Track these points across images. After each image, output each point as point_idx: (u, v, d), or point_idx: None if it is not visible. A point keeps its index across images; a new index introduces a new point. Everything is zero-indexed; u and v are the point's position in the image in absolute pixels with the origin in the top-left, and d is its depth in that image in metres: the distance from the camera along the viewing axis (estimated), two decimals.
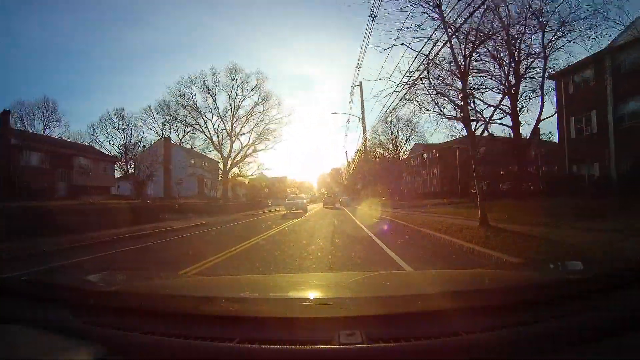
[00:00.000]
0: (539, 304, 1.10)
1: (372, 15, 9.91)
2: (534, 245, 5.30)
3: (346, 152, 59.19)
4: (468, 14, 7.62)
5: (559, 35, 14.48)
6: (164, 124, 36.37)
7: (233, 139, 34.85)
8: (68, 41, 59.63)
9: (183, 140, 38.54)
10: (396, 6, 8.62)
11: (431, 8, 7.99)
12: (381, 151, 43.49)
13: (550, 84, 17.73)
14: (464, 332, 0.95)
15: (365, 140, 23.16)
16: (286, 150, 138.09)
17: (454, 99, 10.44)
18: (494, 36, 11.22)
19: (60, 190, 23.41)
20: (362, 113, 22.12)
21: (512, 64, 15.83)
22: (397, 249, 6.38)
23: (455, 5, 7.64)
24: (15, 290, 1.34)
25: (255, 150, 35.71)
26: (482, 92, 15.04)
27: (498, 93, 16.61)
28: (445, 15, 7.81)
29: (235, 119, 34.75)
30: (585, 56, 15.01)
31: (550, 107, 18.06)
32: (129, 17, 64.19)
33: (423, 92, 10.38)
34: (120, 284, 1.63)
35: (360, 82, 22.11)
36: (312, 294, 1.49)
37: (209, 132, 34.65)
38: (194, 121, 34.68)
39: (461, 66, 8.60)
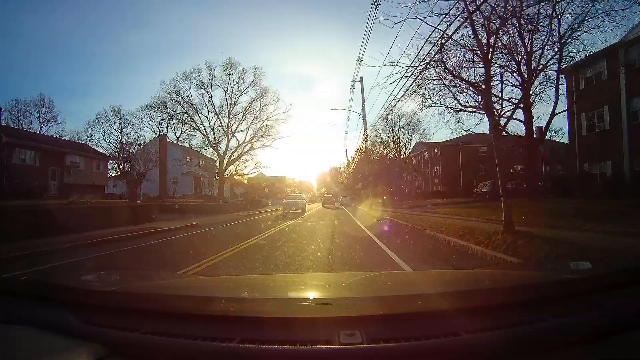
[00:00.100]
0: (539, 304, 1.12)
1: (376, 3, 9.09)
2: (596, 257, 4.35)
3: (346, 151, 59.11)
4: None
5: (580, 20, 12.83)
6: (161, 122, 36.07)
7: (229, 136, 34.74)
8: (64, 39, 60.27)
9: (180, 138, 38.25)
10: None
11: None
12: (382, 150, 43.11)
13: (560, 79, 17.18)
14: (464, 332, 0.96)
15: (366, 137, 22.73)
16: (285, 149, 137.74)
17: (474, 82, 9.17)
18: (524, 12, 9.25)
19: (51, 189, 23.04)
20: (363, 109, 21.76)
21: (525, 55, 14.75)
22: (415, 261, 5.29)
23: None
24: (15, 290, 1.36)
25: (252, 148, 35.57)
26: (494, 84, 13.71)
27: (509, 85, 15.67)
28: None
29: (231, 116, 34.61)
30: (598, 49, 14.30)
31: (562, 102, 17.27)
32: (129, 16, 64.71)
33: (434, 79, 9.40)
34: (121, 284, 1.63)
35: (361, 77, 21.81)
36: (312, 294, 1.51)
37: (205, 129, 34.45)
38: (190, 118, 34.38)
39: (484, 45, 7.35)
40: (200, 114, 34.15)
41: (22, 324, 1.12)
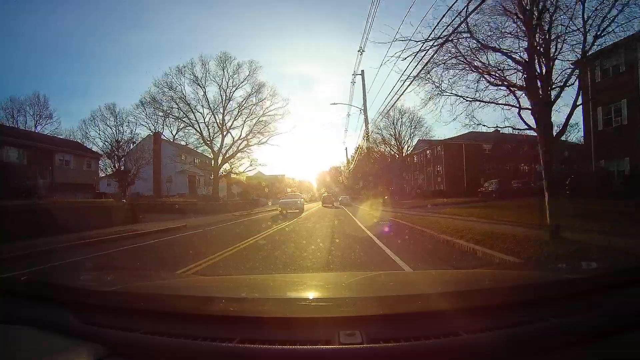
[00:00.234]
0: (539, 304, 1.14)
1: None
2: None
3: (346, 149, 59.19)
4: None
5: None
6: (157, 120, 35.96)
7: (224, 133, 34.57)
8: (64, 39, 61.24)
9: (177, 136, 38.15)
10: None
11: None
12: (383, 148, 43.16)
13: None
14: (464, 332, 0.98)
15: (367, 133, 22.69)
16: (285, 148, 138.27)
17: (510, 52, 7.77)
18: None
19: (39, 188, 22.93)
20: (364, 104, 21.86)
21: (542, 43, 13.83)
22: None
23: None
24: (15, 290, 1.38)
25: (248, 145, 35.41)
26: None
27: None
28: None
29: (226, 112, 34.47)
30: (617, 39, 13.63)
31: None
32: (129, 16, 65.41)
33: (455, 55, 8.12)
34: (121, 284, 1.65)
35: (362, 71, 21.89)
36: (312, 294, 1.53)
37: (199, 126, 34.28)
38: (184, 115, 34.25)
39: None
40: (194, 110, 34.11)
41: (22, 324, 1.14)
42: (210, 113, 34.17)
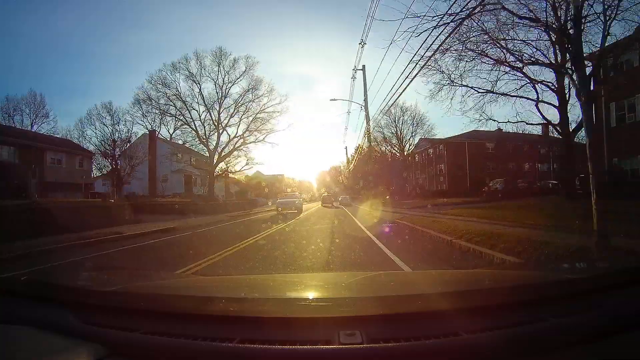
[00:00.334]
0: (539, 304, 1.16)
1: None
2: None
3: (346, 148, 59.31)
4: None
5: None
6: (153, 119, 35.90)
7: (220, 131, 34.51)
8: (64, 39, 61.79)
9: (174, 135, 38.09)
10: None
11: None
12: (384, 147, 43.22)
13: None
14: (464, 332, 0.99)
15: (368, 130, 22.67)
16: (284, 148, 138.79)
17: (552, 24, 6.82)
18: None
19: (29, 187, 22.85)
20: (365, 100, 21.84)
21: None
22: None
23: None
24: (15, 290, 1.41)
25: (244, 143, 35.31)
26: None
27: (539, 65, 13.95)
28: None
29: (222, 109, 34.41)
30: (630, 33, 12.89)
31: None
32: (129, 16, 66.36)
33: (478, 32, 7.48)
34: (121, 284, 1.68)
35: (363, 66, 21.81)
36: (312, 294, 1.55)
37: (194, 124, 34.20)
38: (179, 112, 34.17)
39: None
40: (189, 108, 34.04)
41: (22, 324, 1.16)
42: (206, 110, 34.18)
